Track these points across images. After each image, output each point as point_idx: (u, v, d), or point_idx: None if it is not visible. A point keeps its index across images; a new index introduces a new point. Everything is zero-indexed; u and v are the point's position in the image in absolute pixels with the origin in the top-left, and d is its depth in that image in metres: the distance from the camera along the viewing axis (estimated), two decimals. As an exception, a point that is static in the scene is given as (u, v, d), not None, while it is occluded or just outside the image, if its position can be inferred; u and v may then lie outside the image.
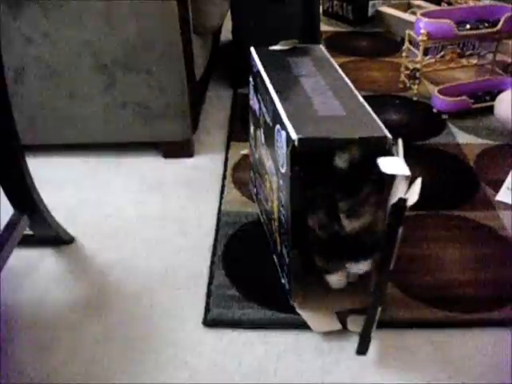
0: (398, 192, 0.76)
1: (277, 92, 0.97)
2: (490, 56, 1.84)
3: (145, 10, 1.27)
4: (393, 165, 0.79)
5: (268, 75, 1.03)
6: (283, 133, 0.88)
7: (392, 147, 0.83)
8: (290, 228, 0.94)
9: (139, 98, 1.39)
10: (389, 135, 0.84)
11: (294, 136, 0.84)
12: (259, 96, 1.07)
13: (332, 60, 1.11)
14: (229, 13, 1.76)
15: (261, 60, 1.10)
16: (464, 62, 1.84)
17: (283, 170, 0.90)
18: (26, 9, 1.26)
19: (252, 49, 1.14)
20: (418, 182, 0.76)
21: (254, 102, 1.14)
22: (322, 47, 1.17)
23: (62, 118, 1.42)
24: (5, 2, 1.25)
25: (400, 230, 0.78)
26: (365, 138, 0.85)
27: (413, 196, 0.75)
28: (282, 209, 0.96)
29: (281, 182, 0.94)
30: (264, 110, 1.03)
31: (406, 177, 0.77)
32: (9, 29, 1.28)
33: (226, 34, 2.11)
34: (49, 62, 1.33)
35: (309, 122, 0.88)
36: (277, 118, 0.92)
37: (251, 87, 1.16)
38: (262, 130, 1.07)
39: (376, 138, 0.85)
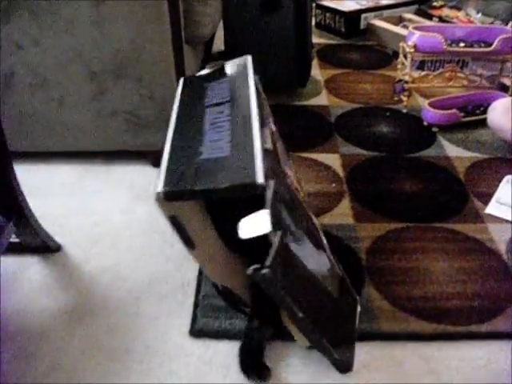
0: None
1: (174, 131, 0.93)
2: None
3: (136, 19, 1.26)
4: (253, 223, 0.76)
5: (178, 110, 0.99)
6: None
7: (264, 192, 0.77)
8: None
9: (129, 107, 1.38)
10: (260, 181, 0.77)
11: (159, 188, 0.83)
12: None
13: (251, 81, 1.02)
14: (221, 23, 1.76)
15: (182, 91, 1.05)
16: (465, 82, 1.80)
17: None
18: (16, 14, 1.25)
19: (181, 80, 1.09)
20: (263, 214, 0.76)
21: None
22: (250, 61, 1.08)
23: (51, 125, 1.41)
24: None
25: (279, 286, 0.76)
26: (233, 186, 0.79)
27: (260, 228, 0.74)
28: None
29: None
30: None
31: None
32: (-1, 34, 1.28)
33: (219, 43, 2.11)
34: (39, 69, 1.33)
35: (185, 170, 0.84)
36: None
37: None
38: None
39: (245, 185, 0.78)
